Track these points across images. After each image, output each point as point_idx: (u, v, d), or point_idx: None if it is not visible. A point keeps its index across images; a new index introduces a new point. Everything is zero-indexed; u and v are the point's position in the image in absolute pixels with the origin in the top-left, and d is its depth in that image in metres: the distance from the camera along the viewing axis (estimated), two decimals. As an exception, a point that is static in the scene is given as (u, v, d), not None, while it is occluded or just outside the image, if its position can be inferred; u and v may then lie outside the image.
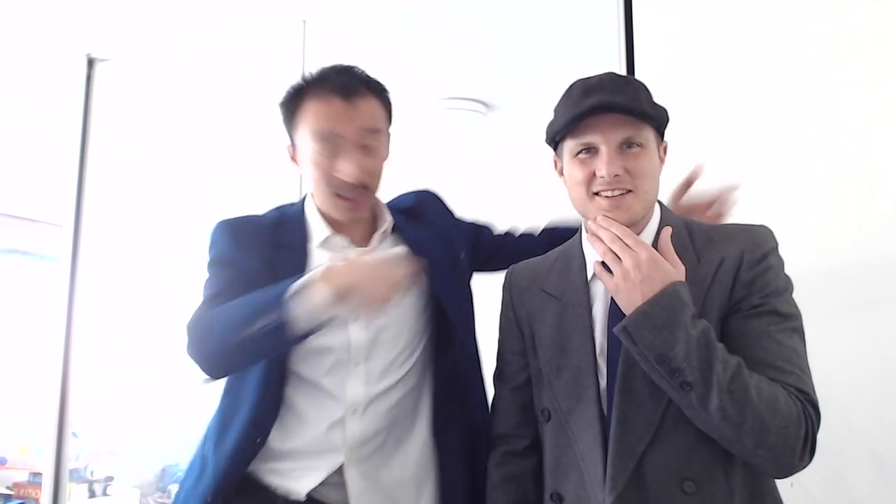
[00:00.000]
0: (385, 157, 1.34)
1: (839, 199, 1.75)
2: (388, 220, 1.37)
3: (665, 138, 1.22)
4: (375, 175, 1.30)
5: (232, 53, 2.94)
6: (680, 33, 1.97)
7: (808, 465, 1.06)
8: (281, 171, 2.46)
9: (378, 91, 1.35)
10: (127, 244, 3.91)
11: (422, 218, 1.45)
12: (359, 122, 1.26)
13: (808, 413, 1.05)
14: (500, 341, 1.34)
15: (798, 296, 1.73)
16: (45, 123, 3.60)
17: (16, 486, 3.57)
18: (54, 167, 3.01)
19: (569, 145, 1.17)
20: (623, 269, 1.06)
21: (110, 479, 3.59)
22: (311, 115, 1.26)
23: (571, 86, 1.19)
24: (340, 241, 1.32)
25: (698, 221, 1.23)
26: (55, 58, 2.94)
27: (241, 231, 1.30)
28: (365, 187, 1.27)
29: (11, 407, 3.61)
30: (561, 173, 1.24)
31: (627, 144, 1.13)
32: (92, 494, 3.58)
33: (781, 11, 1.87)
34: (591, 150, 1.14)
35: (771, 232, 1.18)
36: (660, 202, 1.23)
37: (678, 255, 1.13)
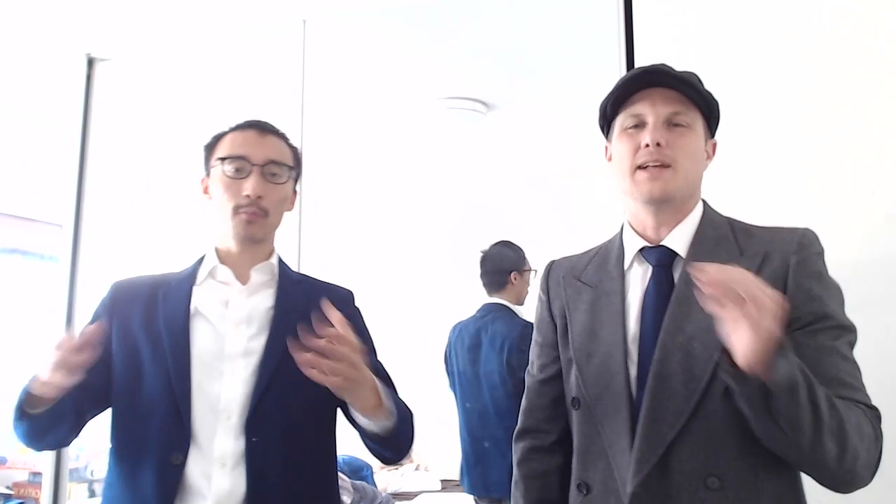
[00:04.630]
0: (286, 197, 1.42)
1: (839, 199, 1.75)
2: (273, 262, 1.43)
3: (715, 137, 1.24)
4: (274, 203, 1.39)
5: (232, 53, 2.95)
6: (680, 33, 1.97)
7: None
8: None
9: (290, 144, 1.47)
10: (127, 244, 3.91)
11: (317, 293, 1.38)
12: (267, 151, 1.39)
13: (880, 431, 1.06)
14: (534, 335, 1.35)
15: (798, 296, 1.71)
16: (45, 123, 3.60)
17: (16, 485, 3.57)
18: (54, 167, 3.01)
19: (619, 120, 1.20)
20: (749, 309, 0.93)
21: (110, 479, 3.59)
22: (228, 143, 1.41)
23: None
24: (223, 272, 1.40)
25: (740, 220, 1.22)
26: (55, 58, 2.94)
27: (123, 291, 1.42)
28: (264, 210, 1.37)
29: (11, 407, 3.61)
30: (609, 159, 1.25)
31: (674, 123, 1.16)
32: (92, 494, 3.59)
33: (782, 11, 1.87)
34: (639, 125, 1.17)
35: (815, 235, 1.16)
36: (704, 200, 1.24)
37: (721, 247, 1.14)
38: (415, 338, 4.78)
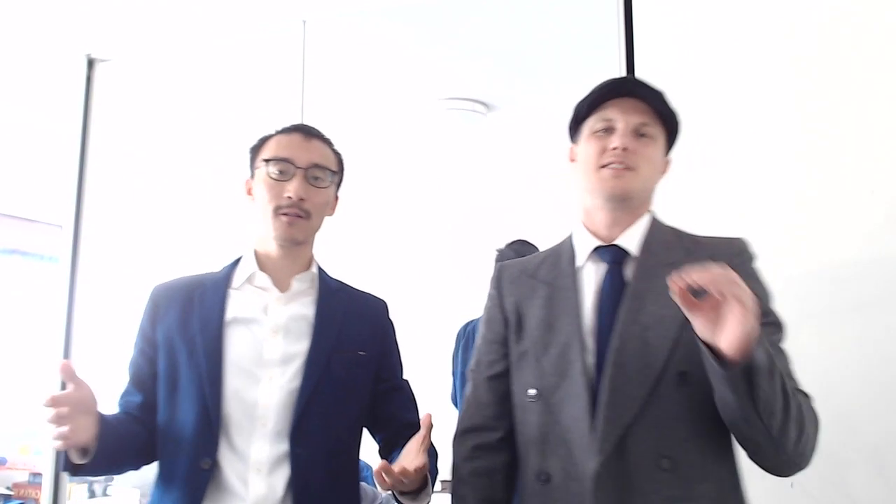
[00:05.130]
0: (328, 202, 1.45)
1: (839, 199, 1.76)
2: (314, 271, 1.46)
3: (670, 155, 1.33)
4: (316, 206, 1.40)
5: (232, 53, 2.95)
6: (680, 33, 1.97)
7: None
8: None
9: (335, 150, 1.48)
10: (127, 244, 3.91)
11: (355, 303, 1.49)
12: (311, 155, 1.41)
13: (817, 415, 1.15)
14: (482, 333, 1.39)
15: (798, 296, 1.73)
16: (45, 123, 3.60)
17: (16, 486, 3.57)
18: (54, 167, 3.01)
19: (590, 123, 1.29)
20: (737, 307, 1.00)
21: (110, 479, 3.59)
22: (273, 145, 1.42)
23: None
24: (262, 278, 1.41)
25: (683, 230, 1.32)
26: (55, 58, 2.94)
27: (162, 294, 1.43)
28: (305, 212, 1.38)
29: (11, 407, 3.61)
30: (572, 160, 1.34)
31: (641, 133, 1.25)
32: (92, 494, 3.59)
33: (782, 12, 1.87)
34: (608, 129, 1.26)
35: (748, 243, 1.27)
36: (652, 211, 1.32)
37: (670, 249, 1.25)
38: (414, 338, 4.78)
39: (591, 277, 1.27)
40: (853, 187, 1.74)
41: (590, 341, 1.22)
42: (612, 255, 1.27)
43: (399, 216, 4.98)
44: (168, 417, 1.35)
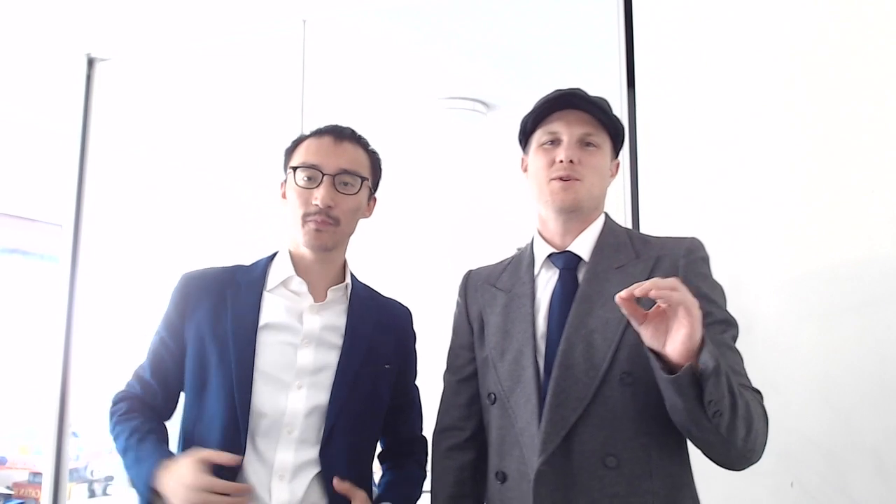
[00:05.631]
0: (359, 206, 1.43)
1: (839, 199, 1.76)
2: (348, 282, 1.46)
3: (618, 158, 1.39)
4: (346, 213, 1.39)
5: (232, 53, 2.95)
6: (680, 33, 1.97)
7: None
8: (280, 170, 2.46)
9: (369, 149, 1.46)
10: (127, 244, 3.91)
11: (383, 313, 1.50)
12: (340, 160, 1.38)
13: (765, 410, 1.18)
14: (452, 338, 1.47)
15: (798, 296, 1.73)
16: (45, 123, 3.60)
17: (16, 486, 3.57)
18: (54, 167, 3.01)
19: (536, 136, 1.35)
20: (683, 315, 1.05)
21: (110, 478, 3.59)
22: (304, 150, 1.41)
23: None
24: (298, 283, 1.40)
25: (638, 231, 1.38)
26: (55, 58, 2.94)
27: (193, 285, 1.42)
28: (334, 219, 1.37)
29: (11, 407, 3.61)
30: (525, 170, 1.40)
31: (586, 142, 1.31)
32: (92, 494, 3.59)
33: (782, 12, 1.87)
34: (554, 141, 1.32)
35: (701, 242, 1.30)
36: (606, 213, 1.38)
37: (619, 252, 1.30)
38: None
39: (545, 283, 1.33)
40: (853, 187, 1.75)
41: (542, 346, 1.27)
42: (564, 261, 1.32)
43: (398, 216, 4.98)
44: (195, 416, 1.35)
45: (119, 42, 2.79)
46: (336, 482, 1.29)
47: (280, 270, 1.42)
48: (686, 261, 1.25)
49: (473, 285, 1.45)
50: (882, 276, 1.69)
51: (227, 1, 2.58)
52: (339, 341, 1.38)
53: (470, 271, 1.49)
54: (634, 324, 1.09)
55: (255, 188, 2.97)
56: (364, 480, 1.40)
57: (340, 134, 1.42)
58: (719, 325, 1.21)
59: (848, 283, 1.72)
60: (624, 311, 1.07)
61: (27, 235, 3.91)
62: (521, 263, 1.39)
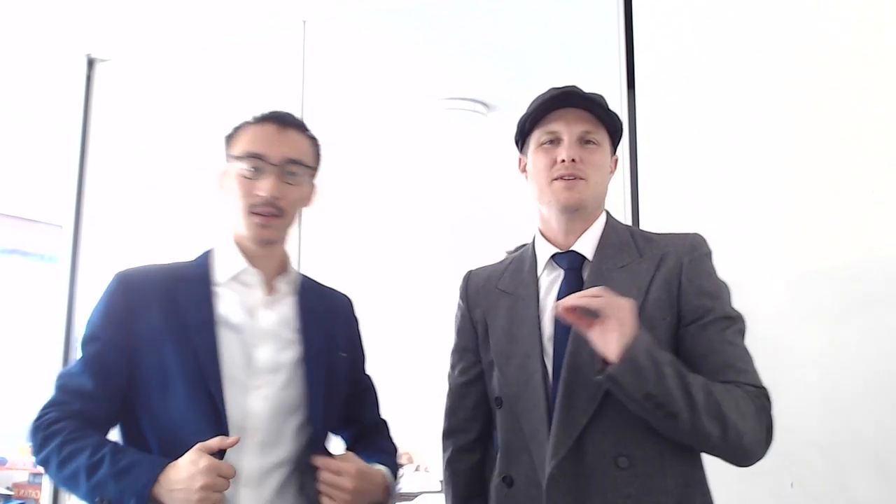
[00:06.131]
0: (306, 197, 1.37)
1: (839, 199, 1.76)
2: (294, 273, 1.40)
3: (617, 153, 1.39)
4: (291, 203, 1.32)
5: (232, 53, 2.94)
6: (680, 34, 1.97)
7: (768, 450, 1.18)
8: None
9: (312, 137, 1.40)
10: (127, 244, 3.91)
11: (329, 302, 1.45)
12: (285, 149, 1.32)
13: (766, 406, 1.18)
14: (455, 340, 1.46)
15: (799, 296, 1.73)
16: (45, 123, 3.60)
17: (16, 486, 3.57)
18: (54, 167, 3.01)
19: (535, 136, 1.33)
20: (608, 319, 1.11)
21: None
22: (246, 138, 1.33)
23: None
24: (252, 276, 1.33)
25: (639, 228, 1.36)
26: (55, 58, 2.94)
27: (136, 283, 1.31)
28: (280, 210, 1.30)
29: (12, 407, 3.61)
30: (523, 170, 1.39)
31: (586, 140, 1.30)
32: (92, 494, 3.58)
33: (782, 12, 1.87)
34: (554, 140, 1.30)
35: (704, 239, 1.30)
36: (607, 211, 1.36)
37: (623, 251, 1.29)
38: (414, 338, 4.78)
39: (550, 284, 1.32)
40: (853, 187, 1.74)
41: (550, 348, 1.25)
42: (568, 260, 1.31)
43: (398, 216, 4.98)
44: (166, 419, 1.23)
45: (119, 42, 2.79)
46: (320, 461, 1.22)
47: (228, 263, 1.34)
48: (690, 258, 1.25)
49: (475, 287, 1.43)
50: (882, 277, 1.69)
51: (227, 1, 2.58)
52: (293, 336, 1.32)
53: (470, 272, 1.48)
54: (582, 331, 1.12)
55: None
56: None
57: (284, 121, 1.35)
58: (720, 322, 1.21)
59: (848, 283, 1.72)
60: (568, 321, 1.11)
61: (27, 235, 3.91)
62: (523, 264, 1.38)
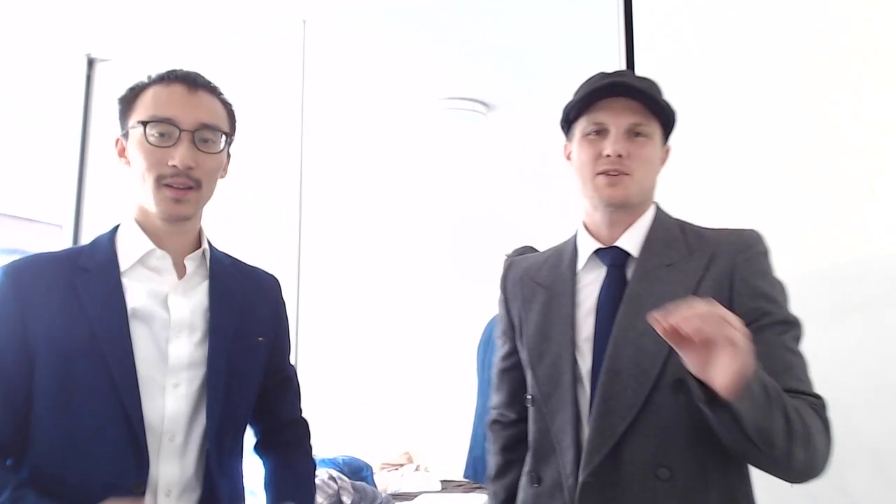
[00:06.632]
0: (221, 165, 1.22)
1: (839, 199, 1.75)
2: (205, 247, 1.23)
3: (669, 143, 1.28)
4: (207, 174, 1.17)
5: (232, 53, 2.94)
6: (680, 34, 1.97)
7: None
8: (280, 170, 2.46)
9: (224, 100, 1.25)
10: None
11: (250, 281, 1.30)
12: (199, 113, 1.17)
13: (828, 421, 1.10)
14: (497, 325, 1.41)
15: (799, 296, 1.72)
16: (45, 123, 3.60)
17: (16, 486, 3.56)
18: (54, 167, 3.01)
19: (581, 125, 1.23)
20: (723, 346, 0.95)
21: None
22: (151, 100, 1.17)
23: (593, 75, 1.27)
24: (160, 259, 1.18)
25: (690, 222, 1.27)
26: (55, 58, 2.94)
27: (25, 276, 1.14)
28: (196, 182, 1.15)
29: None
30: (569, 157, 1.29)
31: (634, 132, 1.20)
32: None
33: (782, 12, 1.87)
34: (600, 131, 1.21)
35: (761, 235, 1.21)
36: (656, 203, 1.28)
37: (671, 248, 1.20)
38: (413, 338, 4.78)
39: (591, 281, 1.24)
40: (853, 187, 1.74)
41: (587, 348, 1.19)
42: (611, 257, 1.23)
43: (399, 216, 4.98)
44: (69, 434, 1.09)
45: (119, 42, 2.79)
46: None
47: (132, 246, 1.17)
48: (744, 257, 1.16)
49: (514, 278, 1.36)
50: (882, 277, 1.69)
51: (228, 1, 2.58)
52: (206, 326, 1.18)
53: (512, 261, 1.39)
54: (675, 347, 0.98)
55: (254, 188, 2.97)
56: (237, 478, 1.23)
57: (194, 82, 1.21)
58: (779, 326, 1.13)
59: (848, 283, 1.72)
60: (663, 335, 0.96)
61: (27, 235, 3.91)
62: (562, 257, 1.30)
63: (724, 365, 0.94)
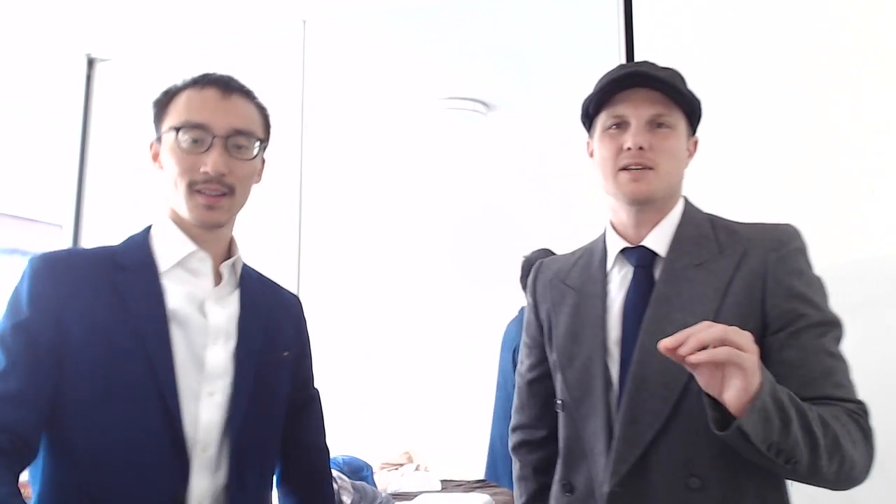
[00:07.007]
0: (255, 171, 1.19)
1: (839, 199, 1.75)
2: (238, 256, 1.21)
3: (696, 135, 1.24)
4: (241, 180, 1.14)
5: (232, 53, 2.94)
6: (680, 34, 1.97)
7: None
8: (280, 170, 2.46)
9: (259, 104, 1.23)
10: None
11: (276, 296, 1.29)
12: (232, 118, 1.14)
13: (869, 429, 1.06)
14: (524, 335, 1.36)
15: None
16: (45, 123, 3.60)
17: (16, 486, 3.56)
18: (54, 167, 3.01)
19: (601, 119, 1.19)
20: (729, 365, 0.93)
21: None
22: (184, 105, 1.14)
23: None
24: (201, 261, 1.15)
25: (721, 217, 1.22)
26: (55, 58, 2.94)
27: (62, 268, 1.09)
28: (229, 188, 1.13)
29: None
30: (591, 154, 1.24)
31: (657, 124, 1.15)
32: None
33: (782, 12, 1.87)
34: (621, 125, 1.16)
35: (797, 231, 1.15)
36: (685, 197, 1.24)
37: (700, 246, 1.15)
38: (414, 338, 4.78)
39: (619, 282, 1.19)
40: (853, 187, 1.74)
41: (616, 352, 1.14)
42: (637, 257, 1.18)
43: (399, 216, 4.98)
44: (107, 434, 1.03)
45: (119, 42, 2.79)
46: None
47: (171, 247, 1.14)
48: (777, 255, 1.10)
49: (543, 281, 1.31)
50: (882, 277, 1.69)
51: (228, 1, 2.58)
52: (235, 335, 1.16)
53: (541, 263, 1.35)
54: (687, 367, 0.95)
55: (254, 188, 2.96)
56: (269, 490, 1.21)
57: (228, 86, 1.16)
58: (816, 329, 1.07)
59: (848, 283, 1.72)
60: (673, 357, 0.93)
61: (27, 235, 3.91)
62: (592, 257, 1.25)
63: (732, 382, 0.92)
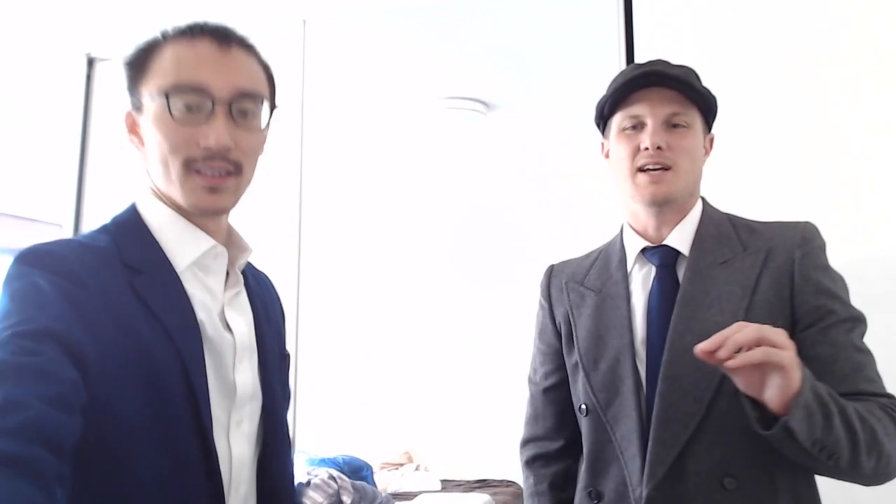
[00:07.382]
0: (262, 143, 0.97)
1: (839, 199, 1.75)
2: (249, 250, 0.99)
3: (713, 132, 1.24)
4: (248, 155, 0.92)
5: (232, 53, 2.95)
6: (680, 34, 1.97)
7: None
8: (279, 170, 2.46)
9: (262, 60, 1.01)
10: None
11: (262, 287, 1.07)
12: (235, 77, 0.90)
13: None
14: (537, 342, 1.34)
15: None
16: (45, 123, 3.60)
17: (16, 485, 3.56)
18: (54, 167, 3.01)
19: (616, 120, 1.18)
20: (768, 365, 0.92)
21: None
22: (171, 62, 0.89)
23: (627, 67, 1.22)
24: (217, 257, 0.94)
25: (739, 216, 1.22)
26: (55, 58, 2.94)
27: (84, 267, 0.82)
28: (235, 165, 0.90)
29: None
30: (607, 156, 1.24)
31: (673, 123, 1.14)
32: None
33: (782, 12, 1.87)
34: (637, 125, 1.16)
35: (817, 229, 1.16)
36: (702, 197, 1.24)
37: (723, 244, 1.14)
38: (413, 338, 4.78)
39: (641, 282, 1.18)
40: (853, 187, 1.74)
41: (643, 352, 1.13)
42: (660, 256, 1.17)
43: (398, 215, 4.98)
44: (132, 468, 0.80)
45: (119, 42, 2.79)
46: None
47: (183, 241, 0.91)
48: (802, 252, 1.10)
49: (557, 284, 1.29)
50: (882, 277, 1.69)
51: (228, 1, 2.58)
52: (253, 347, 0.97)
53: (552, 267, 1.32)
54: (724, 370, 0.94)
55: (254, 188, 2.97)
56: None
57: (226, 36, 0.95)
58: (845, 324, 1.07)
59: (848, 283, 1.72)
60: (710, 361, 0.92)
61: (27, 235, 3.91)
62: (610, 258, 1.23)
63: (772, 381, 0.92)
